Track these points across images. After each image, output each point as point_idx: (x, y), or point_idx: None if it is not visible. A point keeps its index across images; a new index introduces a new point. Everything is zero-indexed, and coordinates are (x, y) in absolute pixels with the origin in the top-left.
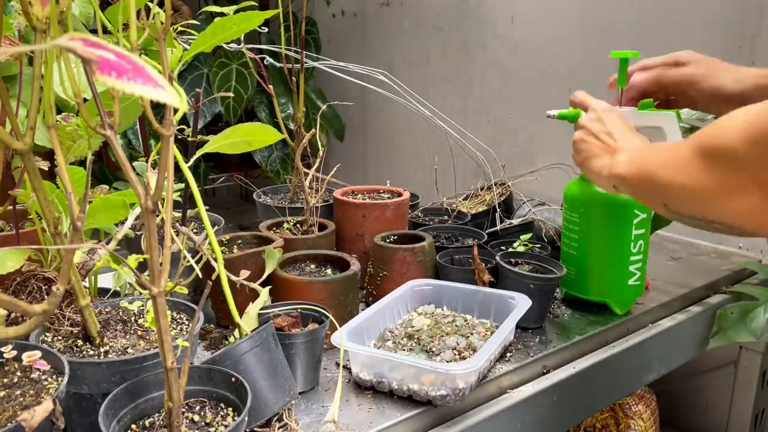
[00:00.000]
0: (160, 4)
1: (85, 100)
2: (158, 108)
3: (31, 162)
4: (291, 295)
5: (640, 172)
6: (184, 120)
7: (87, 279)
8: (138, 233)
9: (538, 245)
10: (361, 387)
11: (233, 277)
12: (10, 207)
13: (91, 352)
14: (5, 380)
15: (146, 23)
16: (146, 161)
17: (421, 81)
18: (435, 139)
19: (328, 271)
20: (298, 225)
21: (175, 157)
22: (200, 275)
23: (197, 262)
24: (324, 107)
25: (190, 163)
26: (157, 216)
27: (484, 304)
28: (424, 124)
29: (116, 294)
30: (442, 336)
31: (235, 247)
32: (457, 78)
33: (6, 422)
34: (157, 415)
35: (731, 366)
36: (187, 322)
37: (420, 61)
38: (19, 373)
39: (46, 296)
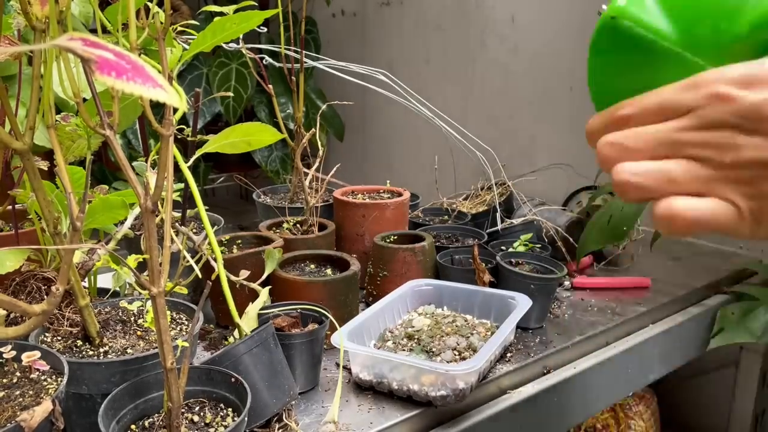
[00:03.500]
0: (160, 4)
1: (85, 99)
2: (158, 108)
3: (30, 162)
4: (291, 295)
5: None
6: (183, 120)
7: (86, 279)
8: (137, 233)
9: (539, 245)
10: (361, 387)
11: (233, 277)
12: (9, 207)
13: (91, 353)
14: (4, 380)
15: (145, 23)
16: (146, 161)
17: (421, 81)
18: (435, 139)
19: (328, 271)
20: (298, 225)
21: (174, 157)
22: (200, 275)
23: (197, 262)
24: (324, 107)
25: (190, 162)
26: (157, 216)
27: (484, 304)
28: (424, 124)
29: (116, 294)
30: (443, 336)
31: (235, 247)
32: (457, 78)
33: (5, 423)
34: (156, 415)
35: (732, 366)
36: (186, 323)
37: (420, 61)
38: (18, 374)
39: (45, 296)
